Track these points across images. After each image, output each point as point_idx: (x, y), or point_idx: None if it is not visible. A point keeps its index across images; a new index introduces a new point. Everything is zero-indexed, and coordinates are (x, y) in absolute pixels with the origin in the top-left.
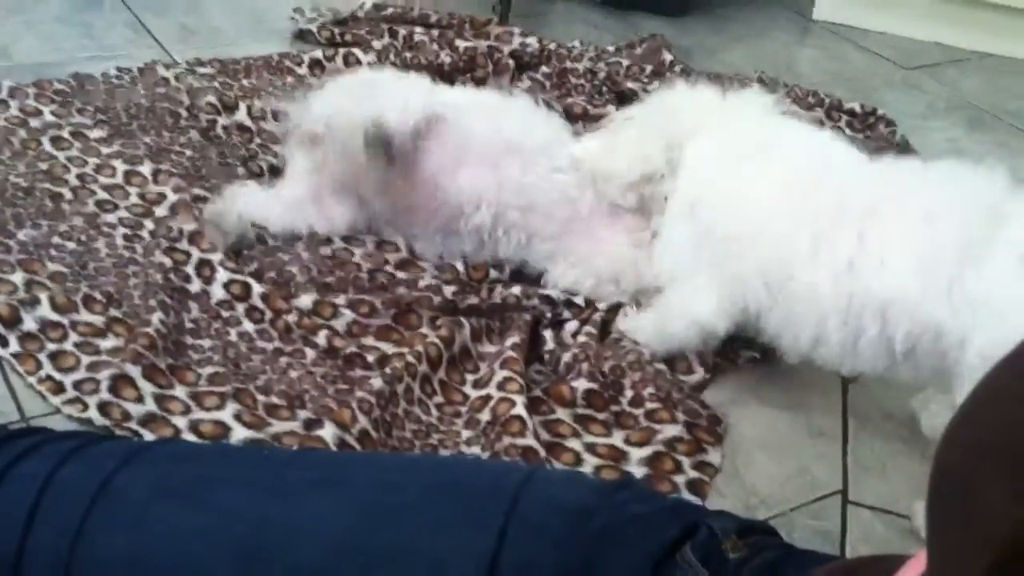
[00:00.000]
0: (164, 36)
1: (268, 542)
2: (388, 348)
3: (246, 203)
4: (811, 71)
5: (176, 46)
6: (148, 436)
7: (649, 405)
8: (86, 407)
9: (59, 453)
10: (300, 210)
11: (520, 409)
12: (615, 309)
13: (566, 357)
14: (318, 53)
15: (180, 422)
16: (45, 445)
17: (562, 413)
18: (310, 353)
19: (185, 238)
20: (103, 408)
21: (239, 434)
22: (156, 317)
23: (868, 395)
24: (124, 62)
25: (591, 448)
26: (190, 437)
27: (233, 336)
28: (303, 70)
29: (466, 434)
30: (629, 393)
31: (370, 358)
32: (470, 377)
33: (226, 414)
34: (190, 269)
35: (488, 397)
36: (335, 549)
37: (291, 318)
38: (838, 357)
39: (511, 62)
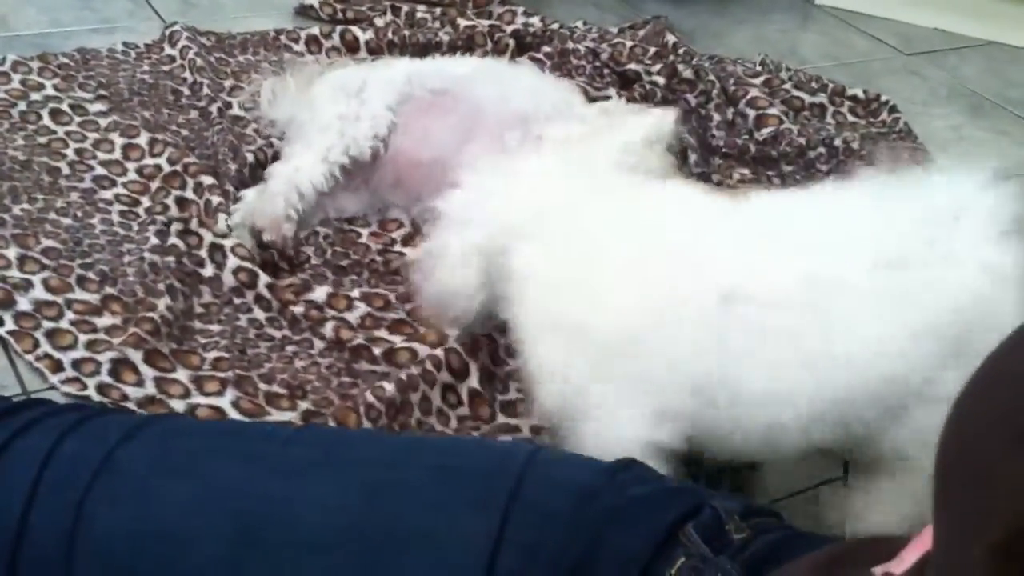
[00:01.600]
0: (165, 8)
1: (268, 518)
2: (398, 341)
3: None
4: (813, 55)
5: (176, 18)
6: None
7: None
8: (85, 387)
9: (61, 427)
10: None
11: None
12: None
13: None
14: (315, 30)
15: (178, 405)
16: (47, 418)
17: None
18: (318, 344)
19: (195, 218)
20: (102, 389)
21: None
22: (163, 302)
23: None
24: (125, 35)
25: None
26: None
27: (243, 322)
28: (300, 46)
29: None
30: None
31: (377, 351)
32: (499, 397)
33: (225, 401)
34: (203, 253)
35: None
36: (335, 527)
37: (298, 309)
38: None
39: (511, 42)
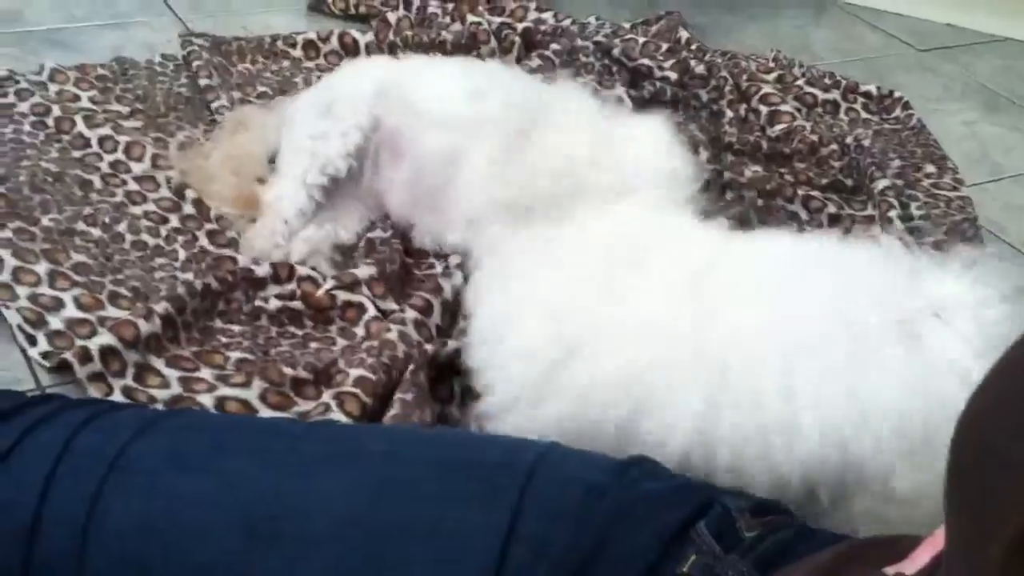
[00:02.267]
0: (177, 3)
1: (279, 513)
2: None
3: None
4: (826, 51)
5: (189, 14)
6: None
7: None
8: (111, 389)
9: (75, 421)
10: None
11: None
12: None
13: None
14: (312, 35)
15: (206, 400)
16: (61, 413)
17: None
18: (341, 341)
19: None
20: (128, 393)
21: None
22: (162, 305)
23: None
24: (138, 30)
25: None
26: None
27: (263, 320)
28: (297, 52)
29: None
30: None
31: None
32: None
33: (252, 393)
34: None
35: None
36: (346, 522)
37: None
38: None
39: (518, 40)
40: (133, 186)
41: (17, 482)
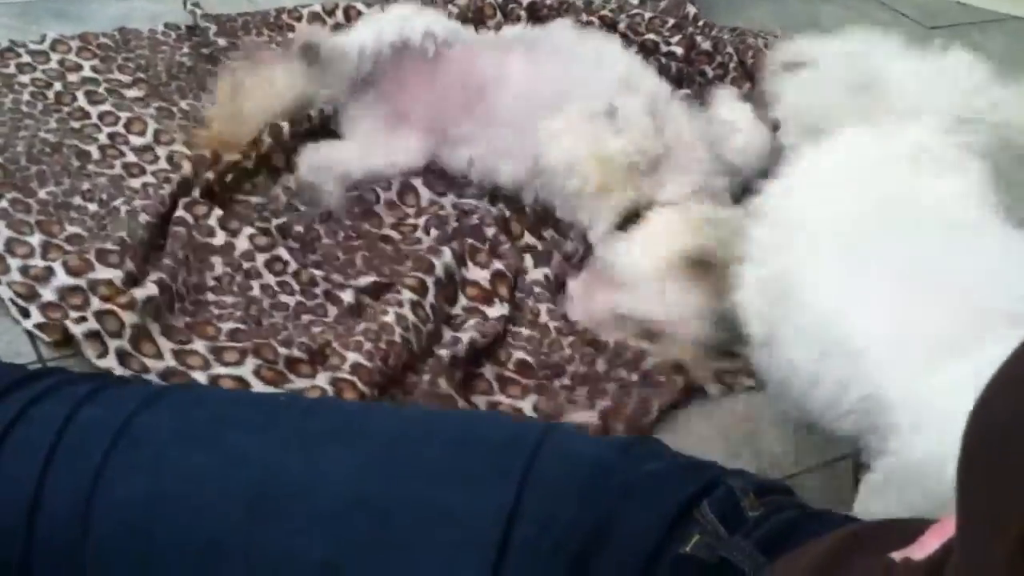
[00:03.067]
0: None
1: (284, 489)
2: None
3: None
4: (834, 28)
5: None
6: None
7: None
8: (106, 350)
9: (78, 395)
10: (374, 147)
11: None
12: None
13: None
14: (317, 7)
15: (200, 376)
16: (64, 386)
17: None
18: (332, 310)
19: (199, 188)
20: (123, 359)
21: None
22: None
23: None
24: (141, 1)
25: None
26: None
27: (256, 291)
28: (303, 25)
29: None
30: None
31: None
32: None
33: (246, 370)
34: (213, 222)
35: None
36: (351, 499)
37: (318, 272)
38: None
39: (523, 14)
40: (131, 157)
41: (20, 454)
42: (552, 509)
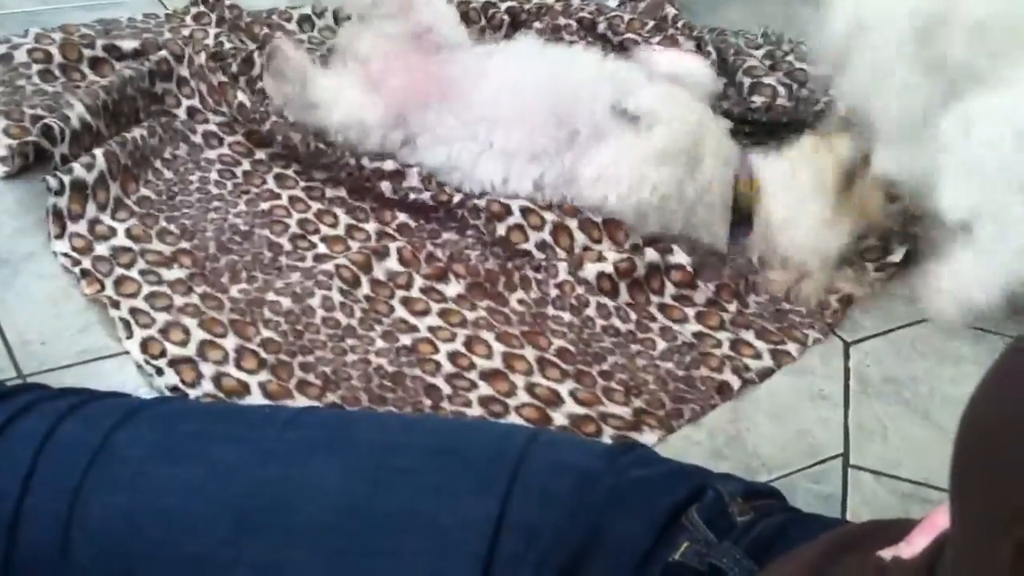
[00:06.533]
0: None
1: (268, 502)
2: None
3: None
4: (813, 28)
5: None
6: (171, 376)
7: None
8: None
9: (57, 411)
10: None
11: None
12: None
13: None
14: (307, 9)
15: (207, 369)
16: (43, 402)
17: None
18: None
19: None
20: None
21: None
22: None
23: (870, 358)
24: (113, 11)
25: (531, 388)
26: (209, 387)
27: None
28: (292, 26)
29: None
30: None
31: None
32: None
33: (254, 379)
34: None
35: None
36: (335, 511)
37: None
38: None
39: (506, 18)
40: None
41: None
42: (539, 519)
